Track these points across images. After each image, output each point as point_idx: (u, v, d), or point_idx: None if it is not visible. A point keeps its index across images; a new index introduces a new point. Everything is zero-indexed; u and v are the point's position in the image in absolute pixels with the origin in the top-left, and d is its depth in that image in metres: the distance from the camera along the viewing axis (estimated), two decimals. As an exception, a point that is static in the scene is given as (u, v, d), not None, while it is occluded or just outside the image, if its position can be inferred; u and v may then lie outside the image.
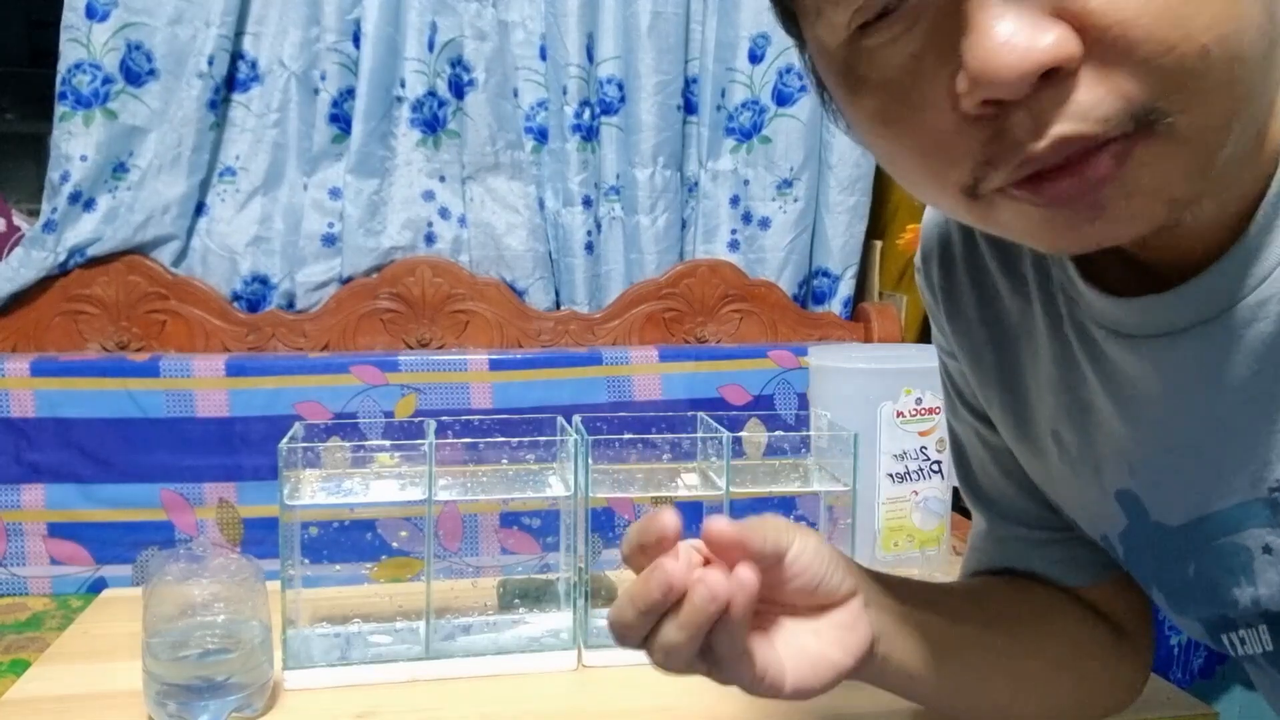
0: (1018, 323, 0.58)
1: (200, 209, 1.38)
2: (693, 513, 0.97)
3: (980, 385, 0.63)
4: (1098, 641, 0.64)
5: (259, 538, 1.24)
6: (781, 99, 1.49)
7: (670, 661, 0.48)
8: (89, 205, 1.32)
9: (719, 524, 0.47)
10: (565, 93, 1.43)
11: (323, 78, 1.37)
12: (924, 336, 1.64)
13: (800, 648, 0.51)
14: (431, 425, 0.87)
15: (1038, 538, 0.65)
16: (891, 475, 1.05)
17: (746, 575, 0.46)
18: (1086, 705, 0.65)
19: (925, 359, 1.10)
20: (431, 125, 1.40)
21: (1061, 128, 0.36)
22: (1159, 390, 0.49)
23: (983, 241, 0.59)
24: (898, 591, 0.58)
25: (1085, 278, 0.50)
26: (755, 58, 1.48)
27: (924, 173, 0.41)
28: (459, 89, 1.40)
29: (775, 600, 0.51)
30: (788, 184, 1.50)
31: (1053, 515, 0.63)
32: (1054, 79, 0.35)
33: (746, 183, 1.51)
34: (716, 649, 0.48)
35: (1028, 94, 0.35)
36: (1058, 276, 0.54)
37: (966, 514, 1.45)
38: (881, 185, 1.58)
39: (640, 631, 0.48)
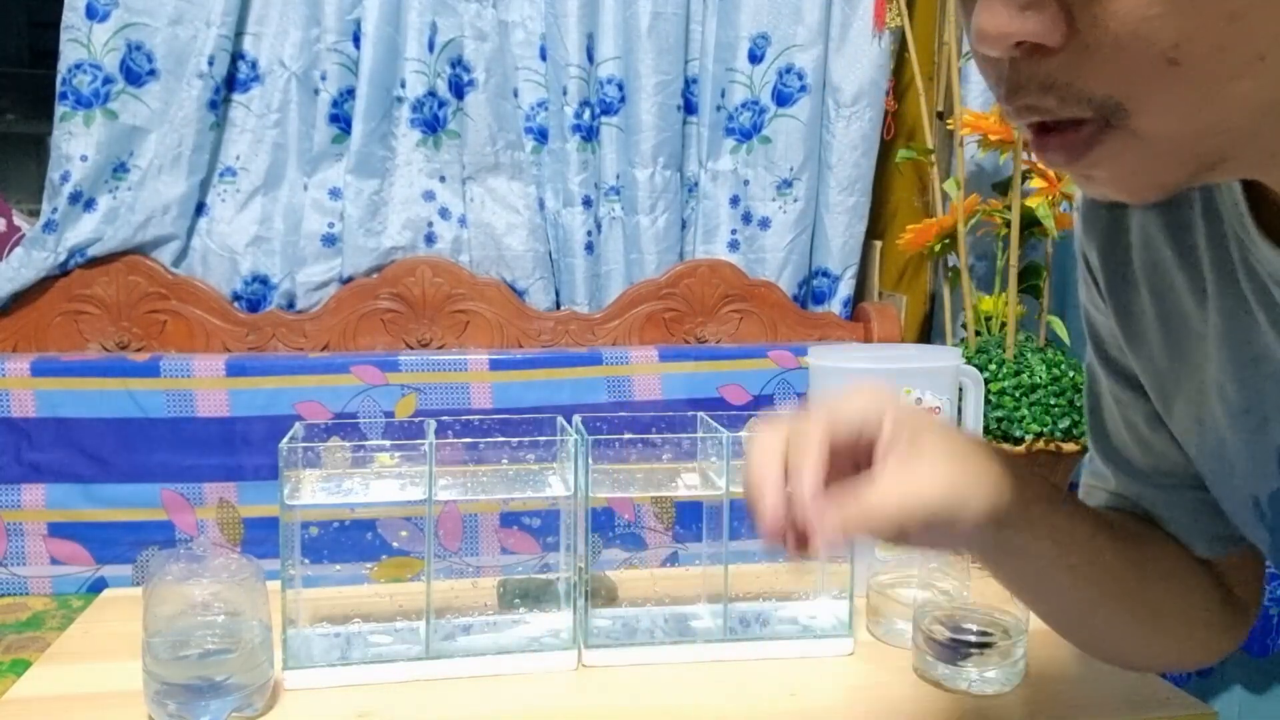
0: (1182, 274, 0.56)
1: (200, 209, 1.38)
2: (693, 512, 0.97)
3: (1130, 340, 0.61)
4: (1209, 605, 0.64)
5: (259, 538, 1.24)
6: (781, 99, 1.49)
7: None
8: (89, 205, 1.32)
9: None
10: (565, 93, 1.43)
11: (323, 78, 1.37)
12: (924, 336, 1.64)
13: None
14: (431, 425, 0.87)
15: (1171, 499, 0.64)
16: (891, 475, 1.05)
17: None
18: (1178, 660, 0.66)
19: (925, 359, 1.10)
20: (431, 125, 1.40)
21: (1028, 97, 0.40)
22: None
23: None
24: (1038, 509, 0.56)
25: (1259, 224, 0.49)
26: (755, 58, 1.48)
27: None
28: (459, 89, 1.40)
29: None
30: (787, 184, 1.51)
31: (1187, 473, 0.62)
32: (1038, 53, 0.39)
33: (746, 183, 1.51)
34: None
35: (1016, 57, 0.39)
36: (1230, 221, 0.51)
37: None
38: (881, 185, 1.58)
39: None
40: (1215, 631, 0.65)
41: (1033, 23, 0.38)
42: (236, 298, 1.39)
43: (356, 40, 1.36)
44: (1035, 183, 1.40)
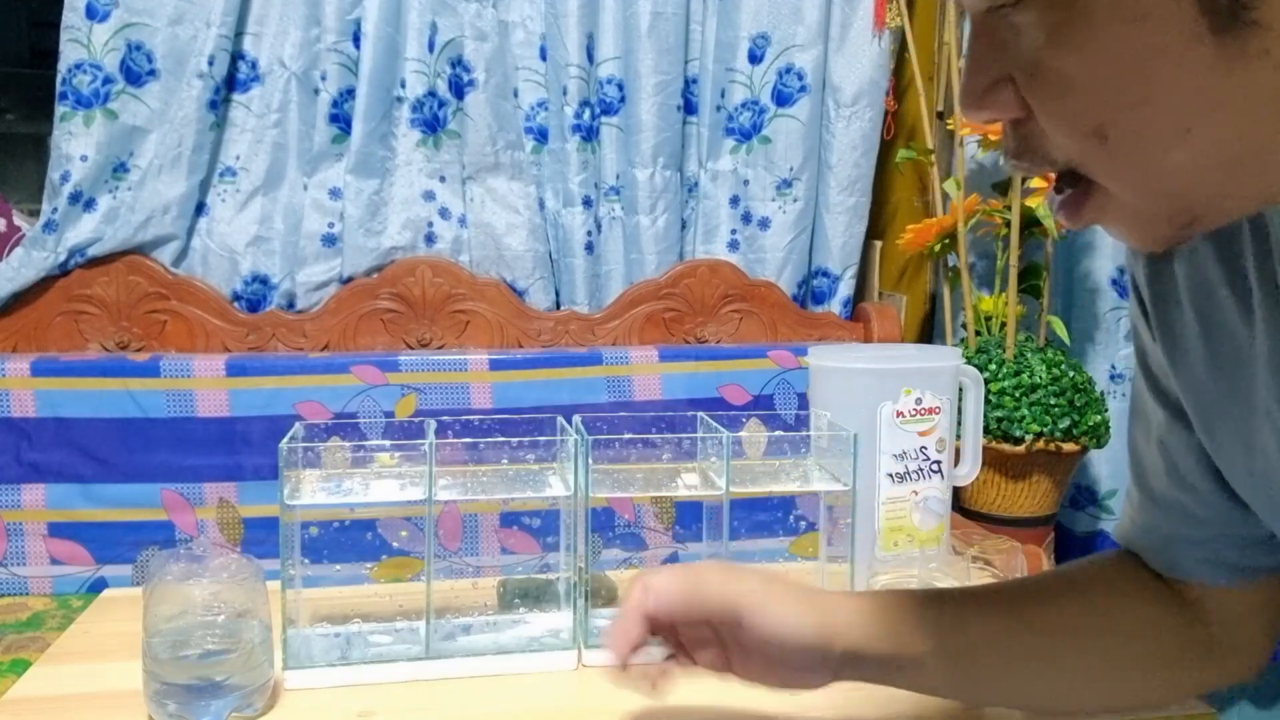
0: (1228, 290, 0.55)
1: (200, 209, 1.38)
2: (693, 512, 0.97)
3: (1174, 361, 0.60)
4: (1170, 642, 0.64)
5: (259, 538, 1.24)
6: (781, 99, 1.49)
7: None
8: (89, 205, 1.32)
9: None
10: (565, 93, 1.43)
11: (323, 78, 1.37)
12: (924, 336, 1.64)
13: (758, 668, 0.64)
14: (431, 425, 0.87)
15: (1190, 532, 0.64)
16: (891, 475, 1.05)
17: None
18: (1136, 700, 0.67)
19: (925, 359, 1.10)
20: (431, 125, 1.40)
21: (1019, 161, 0.45)
22: None
23: None
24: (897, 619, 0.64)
25: None
26: (755, 58, 1.48)
27: None
28: (459, 89, 1.40)
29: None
30: (787, 184, 1.50)
31: (1215, 507, 0.61)
32: (1020, 123, 0.43)
33: (746, 183, 1.51)
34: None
35: (1004, 124, 0.44)
36: (1277, 240, 0.51)
37: (966, 514, 1.45)
38: (881, 185, 1.58)
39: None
40: (1180, 670, 0.65)
41: (995, 107, 0.43)
42: (236, 298, 1.39)
43: (356, 40, 1.36)
44: (1035, 183, 1.40)
